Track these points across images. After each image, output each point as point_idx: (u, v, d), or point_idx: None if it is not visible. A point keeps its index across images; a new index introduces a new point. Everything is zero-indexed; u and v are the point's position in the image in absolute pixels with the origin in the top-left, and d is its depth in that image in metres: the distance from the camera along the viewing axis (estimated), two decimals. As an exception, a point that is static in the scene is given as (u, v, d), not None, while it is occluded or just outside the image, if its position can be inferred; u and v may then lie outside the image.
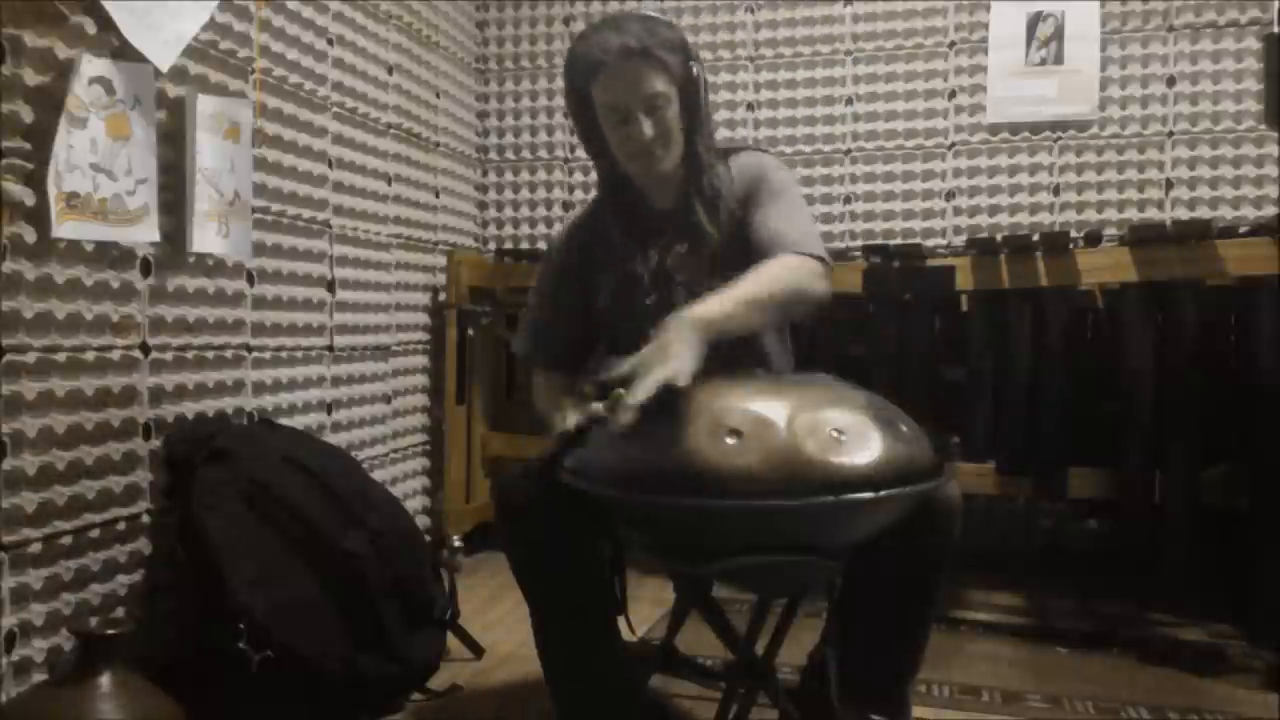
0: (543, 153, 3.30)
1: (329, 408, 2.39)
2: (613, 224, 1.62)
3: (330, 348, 2.40)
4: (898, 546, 1.31)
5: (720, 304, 1.30)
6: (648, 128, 1.48)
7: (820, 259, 1.43)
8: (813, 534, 1.17)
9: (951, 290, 2.41)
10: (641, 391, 1.16)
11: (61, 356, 1.60)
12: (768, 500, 1.10)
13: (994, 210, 2.93)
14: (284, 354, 2.21)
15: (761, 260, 1.41)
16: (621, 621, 1.47)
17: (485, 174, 3.35)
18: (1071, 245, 2.34)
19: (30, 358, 1.54)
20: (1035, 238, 2.37)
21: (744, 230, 1.53)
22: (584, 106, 1.53)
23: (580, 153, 3.23)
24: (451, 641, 2.03)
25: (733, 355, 1.35)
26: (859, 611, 1.45)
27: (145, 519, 1.78)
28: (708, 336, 1.25)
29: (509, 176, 3.33)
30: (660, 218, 1.61)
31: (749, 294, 1.33)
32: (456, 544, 2.78)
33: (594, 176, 3.26)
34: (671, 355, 1.20)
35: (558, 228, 3.28)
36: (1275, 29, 2.73)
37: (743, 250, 1.49)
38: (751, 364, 1.52)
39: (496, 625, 2.27)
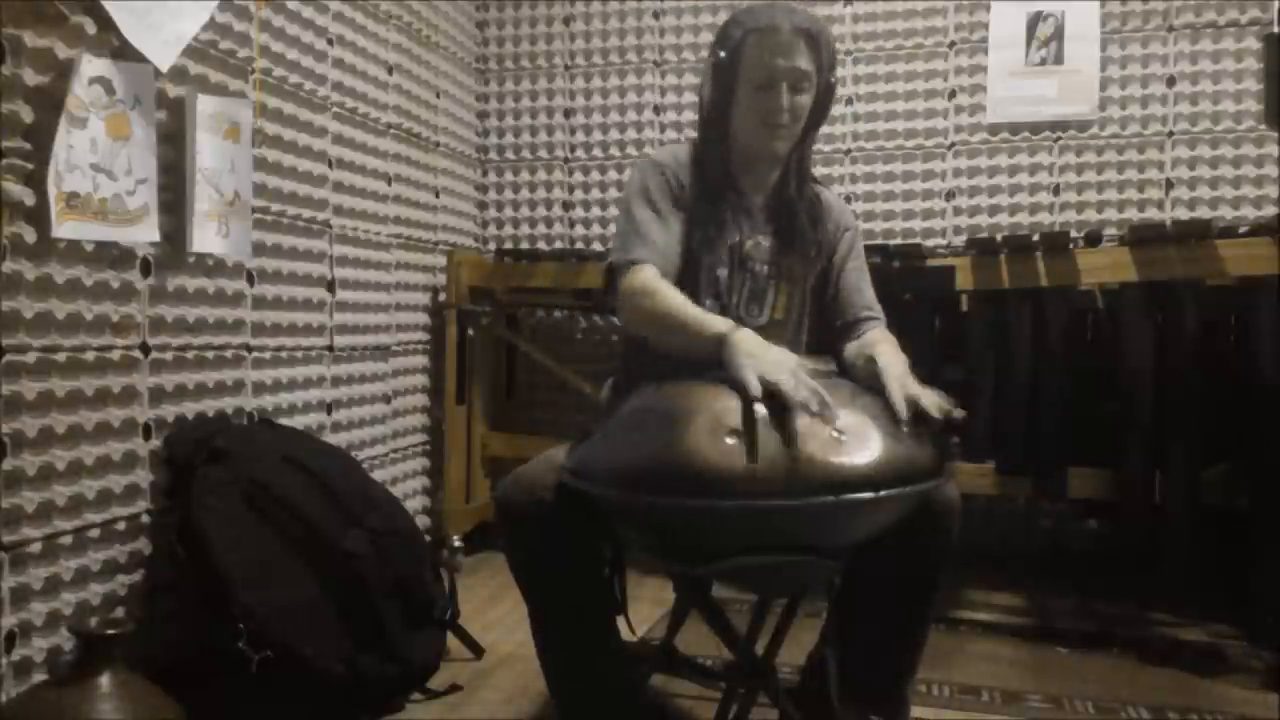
0: (543, 153, 3.30)
1: (329, 408, 2.39)
2: (715, 188, 1.61)
3: (330, 348, 2.40)
4: (897, 546, 1.31)
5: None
6: (786, 100, 1.53)
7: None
8: (813, 534, 1.17)
9: (951, 290, 2.41)
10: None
11: (61, 356, 1.61)
12: (768, 500, 1.10)
13: (994, 210, 2.93)
14: (284, 354, 2.21)
15: (842, 308, 1.64)
16: (621, 621, 1.47)
17: (485, 174, 3.35)
18: (1071, 245, 2.34)
19: (30, 358, 1.54)
20: (1035, 238, 2.37)
21: (827, 265, 1.66)
22: (731, 62, 1.55)
23: (580, 153, 3.24)
24: (451, 641, 2.03)
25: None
26: (859, 611, 1.45)
27: (145, 519, 1.79)
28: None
29: (509, 176, 3.33)
30: (741, 199, 1.63)
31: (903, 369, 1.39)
32: (456, 544, 2.78)
33: (594, 177, 3.30)
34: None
35: (558, 228, 3.28)
36: (1275, 29, 2.73)
37: (822, 280, 1.65)
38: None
39: (496, 625, 2.27)
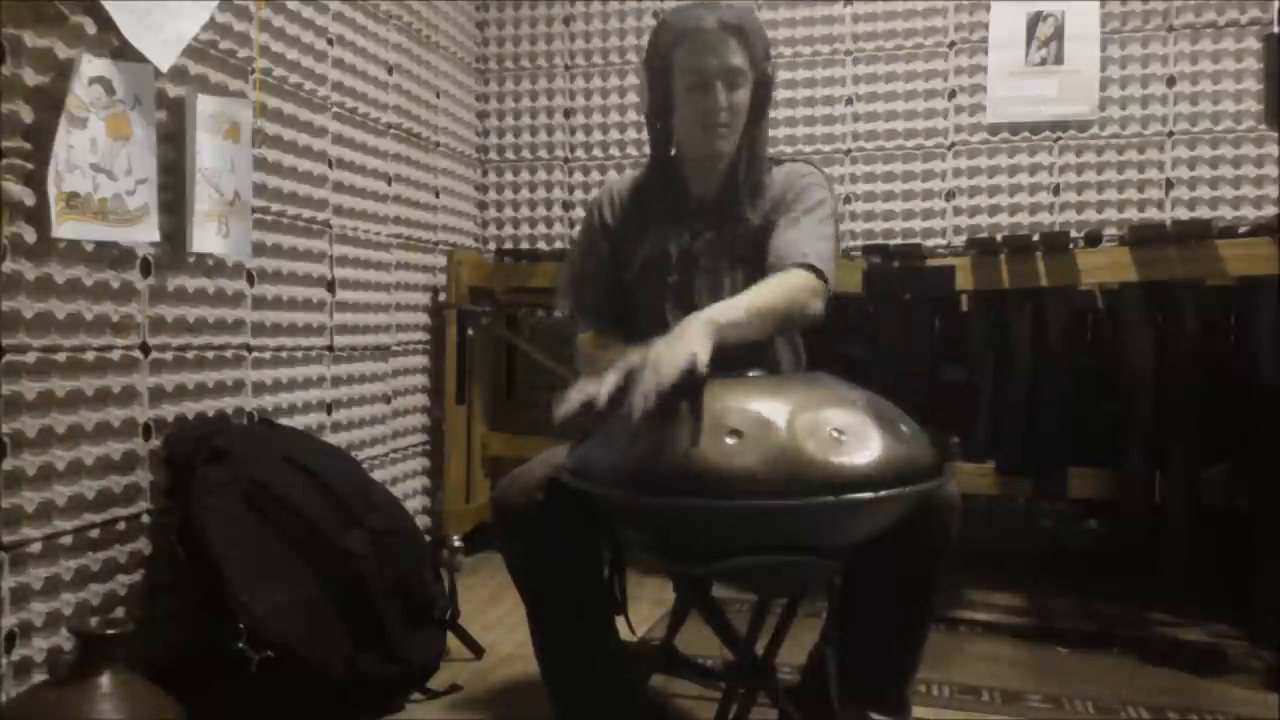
0: (543, 153, 3.30)
1: (329, 408, 2.39)
2: (656, 198, 1.64)
3: (330, 348, 2.40)
4: (897, 546, 1.31)
5: (729, 310, 1.32)
6: (723, 98, 1.53)
7: (823, 278, 1.45)
8: (813, 534, 1.17)
9: (951, 290, 2.41)
10: (666, 375, 1.15)
11: (61, 356, 1.61)
12: (768, 500, 1.10)
13: (994, 210, 2.93)
14: (284, 354, 2.21)
15: (771, 263, 1.47)
16: (621, 621, 1.47)
17: (485, 174, 3.35)
18: (1071, 245, 2.34)
19: (30, 358, 1.54)
20: (1035, 238, 2.37)
21: (768, 232, 1.55)
22: (662, 72, 1.56)
23: (580, 153, 3.24)
24: (451, 641, 2.03)
25: (744, 359, 1.36)
26: (859, 611, 1.45)
27: (145, 519, 1.79)
28: (717, 338, 1.25)
29: (509, 176, 3.33)
30: (698, 203, 1.63)
31: (755, 304, 1.35)
32: (456, 544, 2.78)
33: (594, 177, 3.29)
34: (687, 344, 1.20)
35: (558, 228, 3.28)
36: (1275, 29, 2.73)
37: (759, 249, 1.53)
38: (763, 368, 1.53)
39: (496, 625, 2.27)
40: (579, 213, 3.26)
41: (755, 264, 1.53)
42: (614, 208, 1.68)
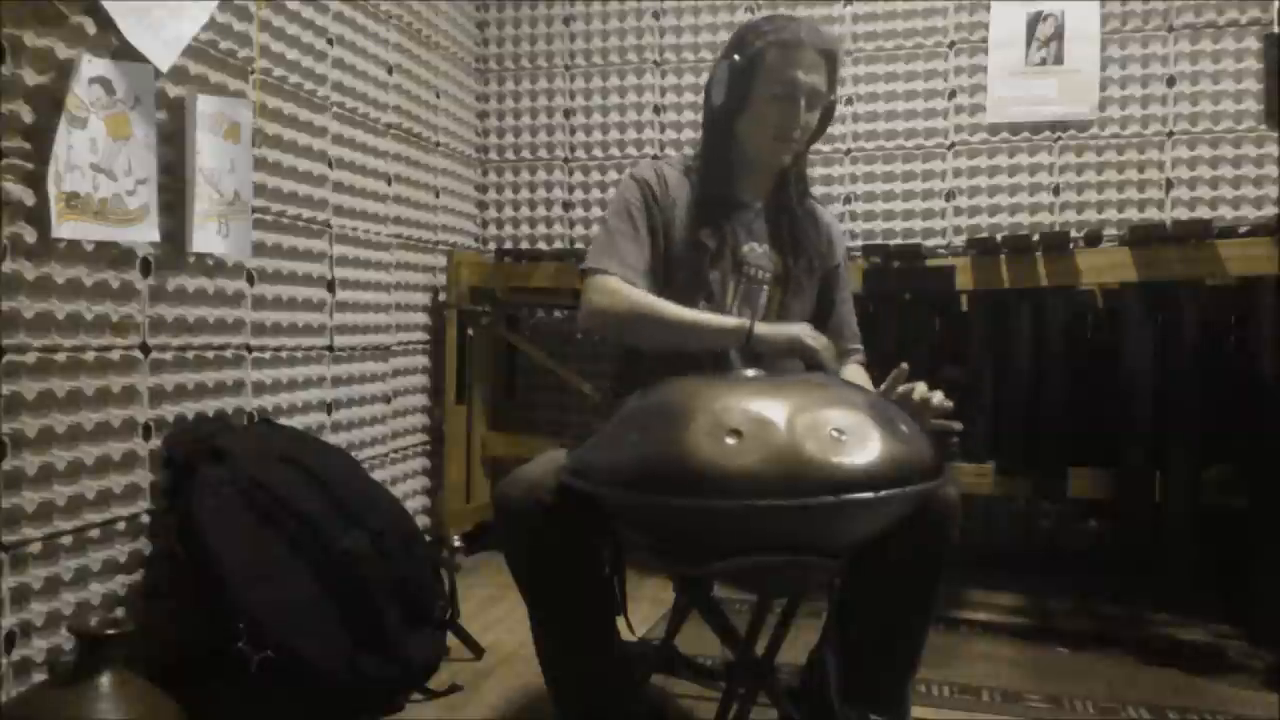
0: (543, 153, 3.30)
1: (329, 408, 2.39)
2: (708, 191, 1.66)
3: (330, 348, 2.40)
4: (898, 547, 1.31)
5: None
6: (800, 119, 1.58)
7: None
8: (813, 534, 1.17)
9: (951, 290, 2.41)
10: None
11: (61, 356, 1.61)
12: (768, 500, 1.10)
13: (994, 210, 2.93)
14: (284, 354, 2.21)
15: (835, 339, 1.65)
16: (621, 621, 1.47)
17: (485, 174, 3.35)
18: (1071, 245, 2.34)
19: (30, 358, 1.54)
20: (1035, 238, 2.37)
21: (819, 285, 1.71)
22: (745, 73, 1.58)
23: (580, 153, 3.24)
24: (451, 641, 2.03)
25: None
26: (859, 611, 1.45)
27: (145, 519, 1.79)
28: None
29: (509, 176, 3.33)
30: (739, 206, 1.67)
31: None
32: (456, 544, 2.78)
33: (594, 177, 3.30)
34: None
35: (558, 228, 3.28)
36: (1275, 29, 2.73)
37: (811, 298, 1.69)
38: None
39: (496, 625, 2.27)
40: (579, 212, 3.26)
41: (803, 296, 1.67)
42: (660, 182, 1.67)
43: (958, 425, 1.37)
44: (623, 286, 1.55)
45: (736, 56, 1.59)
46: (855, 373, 1.68)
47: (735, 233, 1.64)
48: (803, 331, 1.49)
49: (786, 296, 1.65)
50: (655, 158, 3.10)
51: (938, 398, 1.39)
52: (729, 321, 1.51)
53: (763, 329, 1.49)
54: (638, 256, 1.60)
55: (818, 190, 3.00)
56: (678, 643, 1.71)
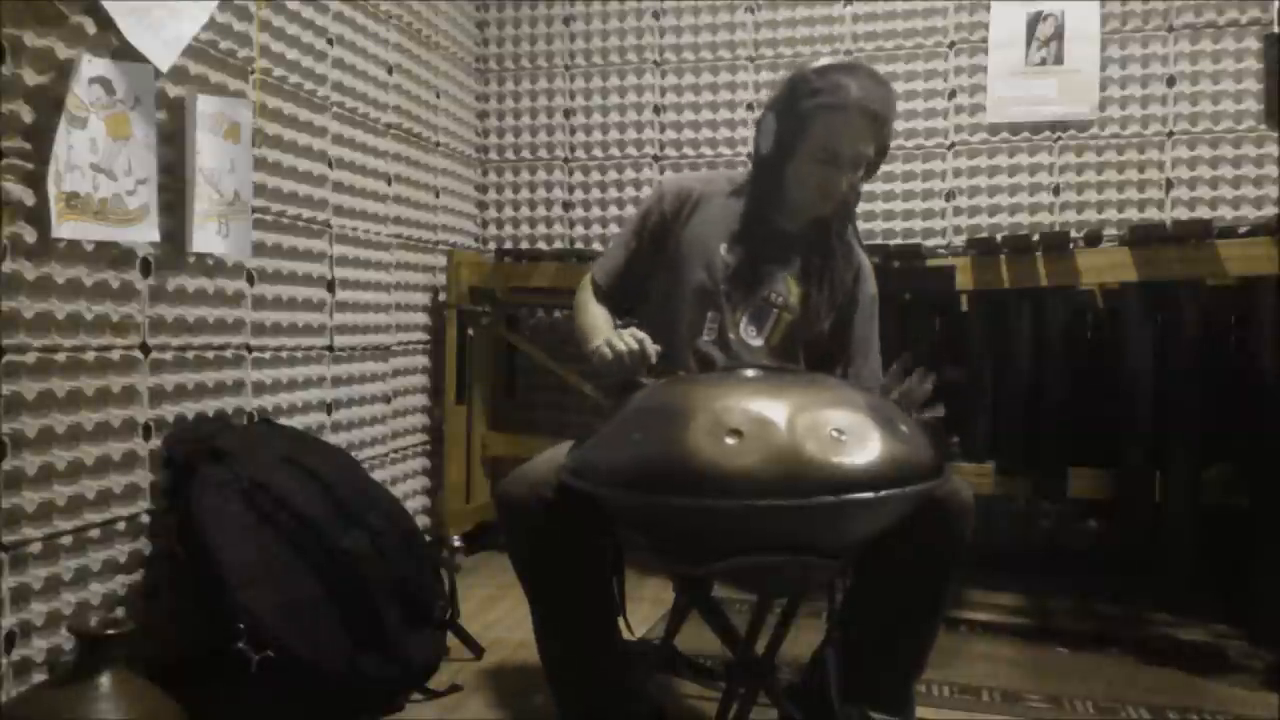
0: (543, 153, 3.30)
1: (329, 408, 2.39)
2: (750, 215, 1.66)
3: (330, 348, 2.40)
4: (910, 546, 1.31)
5: None
6: (844, 183, 1.57)
7: None
8: (813, 534, 1.17)
9: (951, 290, 2.41)
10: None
11: (61, 356, 1.60)
12: (768, 500, 1.10)
13: (994, 210, 2.93)
14: (284, 354, 2.20)
15: (852, 366, 1.67)
16: (621, 621, 1.47)
17: (485, 174, 3.35)
18: (1071, 245, 2.34)
19: (30, 358, 1.54)
20: (1035, 238, 2.37)
21: (841, 320, 1.69)
22: (797, 129, 1.57)
23: (580, 153, 3.24)
24: (451, 641, 2.03)
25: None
26: (862, 610, 1.45)
27: (145, 519, 1.78)
28: None
29: (509, 176, 3.33)
30: (779, 233, 1.66)
31: None
32: (456, 544, 2.78)
33: (594, 177, 3.29)
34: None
35: (558, 228, 3.28)
36: (1275, 29, 2.73)
37: (832, 332, 1.68)
38: None
39: (496, 625, 2.27)
40: (579, 212, 3.26)
41: (816, 327, 1.66)
42: (677, 201, 1.69)
43: (939, 410, 1.34)
44: (585, 289, 1.73)
45: (786, 114, 1.57)
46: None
47: (763, 256, 1.64)
48: (605, 340, 1.47)
49: (797, 323, 1.65)
50: (655, 158, 3.13)
51: (921, 390, 1.36)
52: (594, 339, 1.52)
53: (596, 344, 1.49)
54: (618, 261, 1.73)
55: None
56: (678, 643, 1.71)
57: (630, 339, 1.44)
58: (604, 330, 1.57)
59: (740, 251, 1.64)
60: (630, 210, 3.12)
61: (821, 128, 1.54)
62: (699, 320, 1.63)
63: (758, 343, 1.63)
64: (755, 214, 1.66)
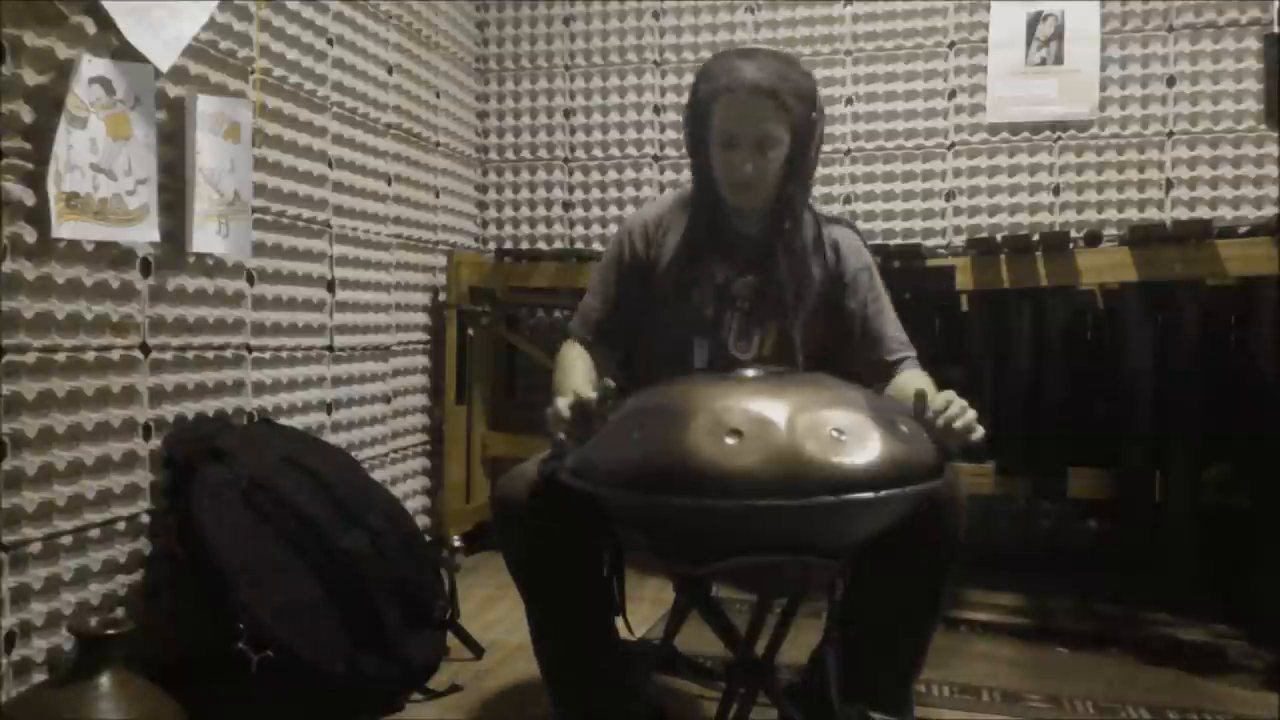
0: (543, 153, 3.30)
1: (329, 408, 2.39)
2: (701, 226, 1.63)
3: (330, 348, 2.40)
4: (905, 545, 1.31)
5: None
6: (749, 164, 1.51)
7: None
8: (813, 534, 1.17)
9: (951, 290, 2.41)
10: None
11: (61, 356, 1.61)
12: (768, 500, 1.10)
13: (994, 210, 2.93)
14: (284, 354, 2.21)
15: (884, 353, 1.60)
16: (621, 621, 1.47)
17: (485, 174, 3.35)
18: (1071, 245, 2.34)
19: (30, 358, 1.54)
20: (1035, 238, 2.37)
21: (831, 305, 1.61)
22: (700, 119, 1.55)
23: (580, 153, 3.24)
24: (451, 641, 2.03)
25: None
26: (861, 610, 1.45)
27: (145, 519, 1.79)
28: None
29: (509, 176, 3.33)
30: (741, 239, 1.62)
31: None
32: (456, 544, 2.78)
33: (594, 177, 3.30)
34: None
35: (558, 228, 3.28)
36: (1275, 29, 2.73)
37: (825, 320, 1.61)
38: None
39: (496, 625, 2.27)
40: (579, 212, 3.26)
41: (800, 326, 1.59)
42: (645, 237, 1.65)
43: (980, 432, 1.27)
44: (568, 351, 1.69)
45: (691, 107, 1.55)
46: (914, 378, 1.55)
47: (727, 266, 1.60)
48: (556, 406, 1.36)
49: (785, 327, 1.60)
50: (655, 158, 3.13)
51: (963, 420, 1.27)
52: (559, 401, 1.38)
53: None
54: (598, 313, 1.67)
55: (817, 190, 3.02)
56: (678, 643, 1.70)
57: (575, 400, 1.33)
58: (565, 390, 1.50)
59: (705, 267, 1.60)
60: (630, 210, 3.12)
61: (718, 110, 1.50)
62: (688, 351, 1.60)
63: (749, 355, 1.61)
64: (705, 224, 1.61)
